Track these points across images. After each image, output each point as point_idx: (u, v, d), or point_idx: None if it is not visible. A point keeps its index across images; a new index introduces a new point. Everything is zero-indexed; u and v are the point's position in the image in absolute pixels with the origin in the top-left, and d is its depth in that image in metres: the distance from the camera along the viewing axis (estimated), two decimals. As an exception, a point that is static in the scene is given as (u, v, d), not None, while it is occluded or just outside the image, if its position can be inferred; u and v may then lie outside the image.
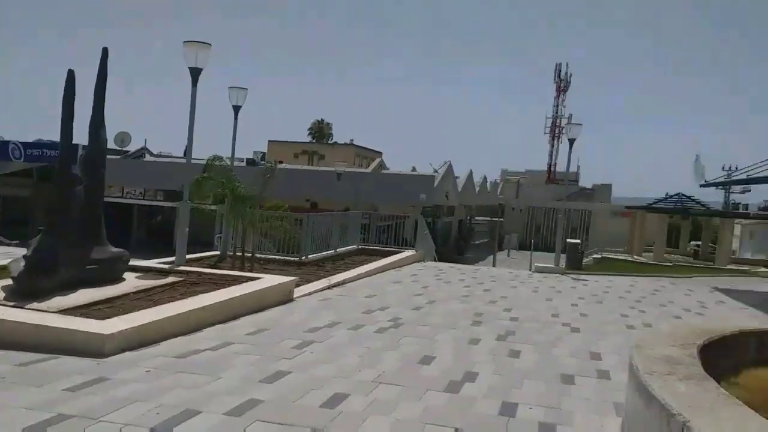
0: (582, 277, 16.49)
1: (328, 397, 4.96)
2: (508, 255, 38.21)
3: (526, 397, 5.35)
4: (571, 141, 19.85)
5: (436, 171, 33.55)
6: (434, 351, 6.81)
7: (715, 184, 19.95)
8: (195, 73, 11.05)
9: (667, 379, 3.79)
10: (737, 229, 39.68)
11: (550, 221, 47.82)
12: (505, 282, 13.97)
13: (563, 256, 18.59)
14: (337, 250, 15.18)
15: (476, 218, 44.12)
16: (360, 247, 16.70)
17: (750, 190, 56.95)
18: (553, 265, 17.93)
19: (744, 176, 16.97)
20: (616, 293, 13.40)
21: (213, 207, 13.72)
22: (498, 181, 55.83)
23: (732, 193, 52.02)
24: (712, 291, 15.09)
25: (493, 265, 26.00)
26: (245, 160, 33.03)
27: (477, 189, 43.33)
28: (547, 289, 13.28)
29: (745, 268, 29.57)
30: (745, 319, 10.97)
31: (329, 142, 72.61)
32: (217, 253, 13.69)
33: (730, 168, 41.94)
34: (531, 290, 12.91)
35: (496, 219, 41.42)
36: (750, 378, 5.82)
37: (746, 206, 50.49)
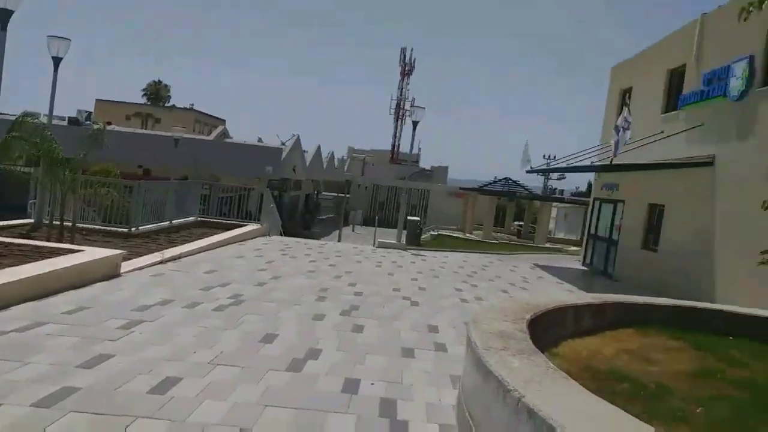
0: (421, 252, 17.19)
1: (158, 381, 4.52)
2: (353, 230, 38.87)
3: (368, 372, 5.35)
4: (415, 123, 20.46)
5: (283, 144, 32.82)
6: (277, 328, 6.58)
7: (537, 171, 21.88)
8: (3, 15, 9.51)
9: (502, 355, 3.96)
10: (554, 212, 44.17)
11: (392, 199, 49.46)
12: (350, 257, 14.07)
13: (404, 233, 19.25)
14: (173, 221, 14.19)
15: (323, 193, 44.19)
16: (199, 219, 15.79)
17: (565, 177, 63.96)
18: (395, 241, 18.46)
19: (564, 164, 18.79)
20: (451, 268, 14.13)
21: (26, 169, 12.05)
22: (345, 158, 56.34)
23: (550, 179, 57.90)
24: (533, 267, 16.56)
25: (339, 240, 26.23)
26: (67, 119, 29.61)
27: (324, 165, 43.30)
28: (390, 264, 13.62)
29: (559, 246, 33.06)
30: (562, 293, 12.16)
31: (166, 105, 67.80)
32: (31, 221, 12.09)
33: (549, 156, 46.56)
34: (374, 265, 13.14)
35: (343, 195, 41.83)
36: (567, 349, 6.40)
37: (561, 191, 56.47)
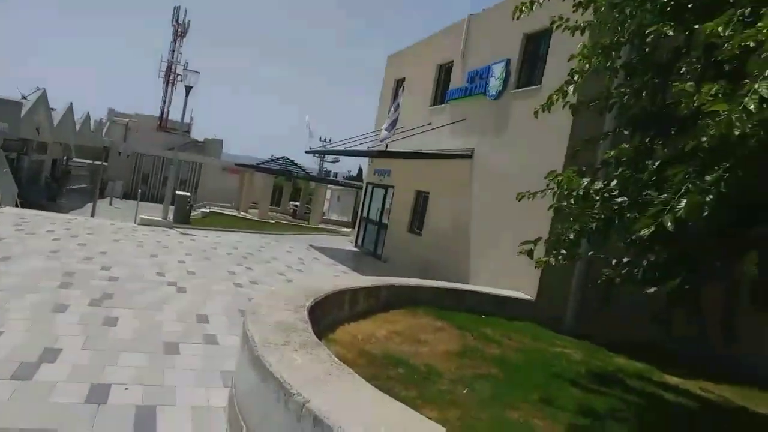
0: (190, 231, 16.00)
1: None
2: (111, 204, 34.99)
3: (122, 375, 4.56)
4: (188, 89, 18.96)
5: (24, 98, 27.94)
6: (2, 325, 5.32)
7: (315, 152, 22.01)
8: None
9: (284, 351, 3.59)
10: (328, 193, 45.25)
11: (160, 171, 45.78)
12: (105, 235, 12.41)
13: (172, 209, 17.74)
14: None
15: (74, 160, 38.79)
16: None
17: (339, 161, 66.11)
18: (160, 218, 16.91)
19: (342, 148, 19.08)
20: (225, 249, 13.36)
21: None
22: (104, 121, 50.43)
23: (325, 161, 59.26)
24: (309, 248, 16.56)
25: (92, 215, 23.24)
26: None
27: (78, 127, 38.12)
28: (154, 244, 12.34)
29: (333, 228, 33.91)
30: (337, 274, 12.27)
31: None
32: None
33: (326, 140, 47.54)
34: (135, 245, 11.76)
35: (99, 163, 37.27)
36: (344, 333, 6.30)
37: (336, 174, 58.27)
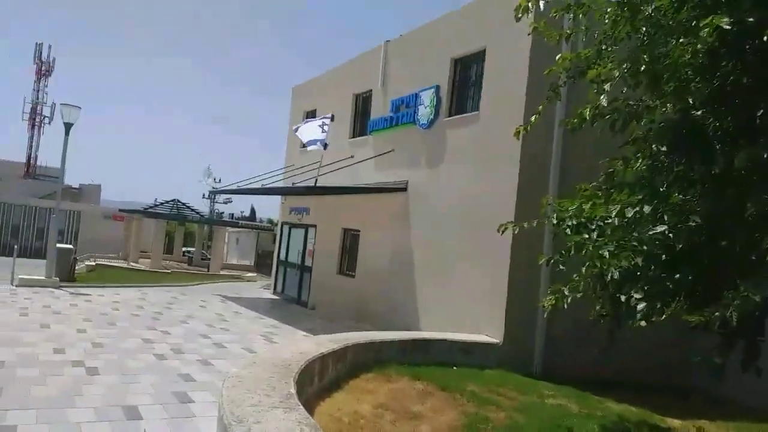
0: (82, 290, 13.75)
1: None
2: (-28, 263, 30.49)
3: None
4: (68, 126, 16.63)
5: None
6: None
7: (222, 192, 20.36)
8: None
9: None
10: (226, 236, 42.68)
11: (31, 222, 41.17)
12: (-26, 305, 10.14)
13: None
14: None
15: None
16: None
17: (232, 201, 63.25)
18: (43, 277, 14.48)
19: (236, 186, 17.56)
20: (128, 309, 11.45)
21: None
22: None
23: (217, 202, 56.32)
24: (224, 301, 14.83)
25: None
26: None
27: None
28: (41, 310, 10.24)
29: (237, 273, 31.71)
30: (268, 329, 10.80)
31: None
32: None
33: (219, 180, 45.12)
34: (18, 314, 9.65)
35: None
36: (323, 417, 5.02)
37: (232, 215, 55.51)
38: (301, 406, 3.60)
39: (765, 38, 3.15)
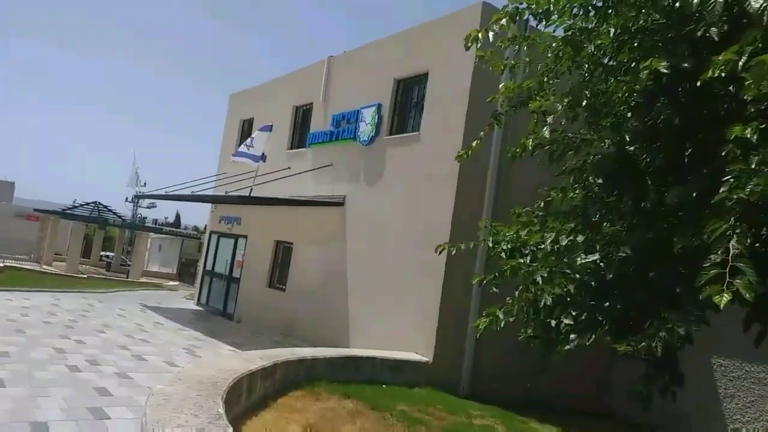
0: (-12, 294, 12.79)
1: None
2: None
3: None
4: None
5: None
6: None
7: (147, 197, 19.51)
8: None
9: None
10: (148, 242, 41.00)
11: (-69, 218, 38.12)
12: None
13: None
14: None
15: None
16: None
17: (156, 206, 60.85)
18: (-57, 279, 13.36)
19: (163, 192, 16.93)
20: (39, 315, 10.74)
21: None
22: None
23: (140, 207, 54.04)
24: (144, 310, 14.18)
25: None
26: None
27: None
28: (-61, 315, 9.42)
29: (157, 281, 30.43)
30: (191, 342, 10.39)
31: None
32: None
33: (144, 184, 43.34)
34: None
35: None
36: (251, 434, 4.87)
37: (155, 220, 53.41)
38: (231, 427, 3.45)
39: (698, 83, 3.32)
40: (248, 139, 13.78)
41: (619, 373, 9.26)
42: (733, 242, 2.93)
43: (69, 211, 33.16)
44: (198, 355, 9.21)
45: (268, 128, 13.28)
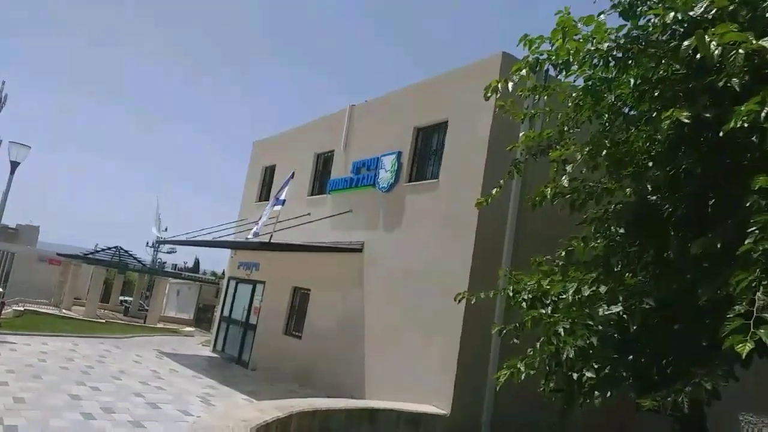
0: (8, 338, 12.84)
1: None
2: None
3: None
4: (14, 165, 15.99)
5: None
6: None
7: (167, 242, 19.74)
8: None
9: None
10: (167, 287, 41.19)
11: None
12: None
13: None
14: None
15: None
16: None
17: (176, 251, 61.45)
18: (-36, 322, 13.48)
19: (184, 237, 17.11)
20: (56, 361, 10.73)
21: None
22: None
23: (160, 252, 54.57)
24: (160, 356, 14.11)
25: None
26: None
27: None
28: (-42, 359, 9.46)
29: (174, 327, 30.36)
30: (206, 390, 10.27)
31: None
32: None
33: (165, 229, 43.85)
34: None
35: None
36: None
37: (175, 266, 53.83)
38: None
39: (720, 134, 3.29)
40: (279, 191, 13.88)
41: (644, 423, 8.92)
42: (759, 294, 2.88)
43: (91, 256, 33.53)
44: (212, 404, 9.08)
45: (290, 176, 13.44)
